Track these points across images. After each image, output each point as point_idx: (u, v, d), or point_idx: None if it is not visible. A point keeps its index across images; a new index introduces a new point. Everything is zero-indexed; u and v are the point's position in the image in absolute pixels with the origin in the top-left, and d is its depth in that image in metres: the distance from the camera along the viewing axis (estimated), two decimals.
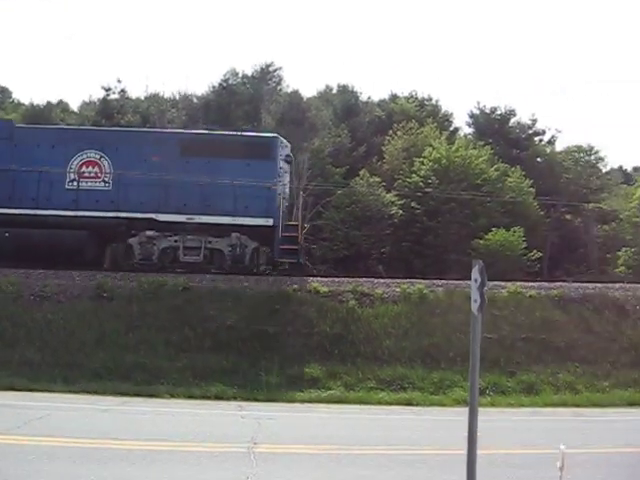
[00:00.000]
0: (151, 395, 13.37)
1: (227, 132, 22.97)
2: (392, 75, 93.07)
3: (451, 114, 48.10)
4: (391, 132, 38.16)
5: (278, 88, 44.05)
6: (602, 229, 37.95)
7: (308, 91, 70.25)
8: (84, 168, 19.90)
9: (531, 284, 20.17)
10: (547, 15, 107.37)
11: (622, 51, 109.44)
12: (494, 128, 42.93)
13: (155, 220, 19.58)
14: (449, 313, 17.12)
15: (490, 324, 16.39)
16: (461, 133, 45.04)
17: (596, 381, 15.63)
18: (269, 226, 19.70)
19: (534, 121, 44.24)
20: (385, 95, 49.17)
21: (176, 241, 19.90)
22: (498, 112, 44.08)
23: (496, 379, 15.04)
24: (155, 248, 19.88)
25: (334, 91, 47.77)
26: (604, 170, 44.75)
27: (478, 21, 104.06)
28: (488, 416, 12.29)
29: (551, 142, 44.68)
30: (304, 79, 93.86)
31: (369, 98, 47.60)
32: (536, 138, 44.23)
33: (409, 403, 13.87)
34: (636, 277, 25.96)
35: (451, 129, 45.02)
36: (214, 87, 42.96)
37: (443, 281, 19.60)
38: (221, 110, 39.43)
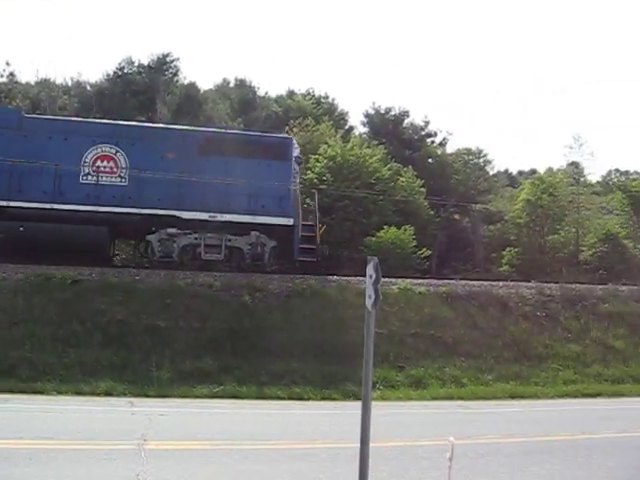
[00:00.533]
0: (37, 392, 12.74)
1: (244, 132, 22.77)
2: (290, 71, 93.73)
3: (347, 113, 48.89)
4: (287, 128, 38.30)
5: (175, 79, 43.31)
6: (488, 229, 39.41)
7: (205, 84, 69.49)
8: (99, 162, 19.48)
9: (420, 281, 20.70)
10: (441, 17, 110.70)
11: (511, 60, 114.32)
12: (388, 128, 43.82)
13: (177, 217, 19.56)
14: (341, 308, 17.36)
15: (381, 320, 16.72)
16: (356, 132, 45.75)
17: (480, 375, 16.23)
18: (289, 225, 20.02)
19: (427, 123, 45.52)
20: (282, 91, 49.40)
21: (196, 239, 19.89)
22: (392, 113, 45.05)
23: (386, 373, 15.29)
24: (175, 245, 19.86)
25: (231, 85, 47.48)
26: (491, 173, 46.73)
27: (374, 20, 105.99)
28: (378, 410, 12.64)
29: (442, 144, 46.11)
30: (201, 71, 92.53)
31: (266, 93, 47.71)
32: (428, 140, 45.51)
33: (301, 397, 13.88)
34: (519, 275, 27.19)
35: (346, 128, 45.68)
36: (109, 75, 41.77)
37: (336, 277, 19.90)
38: (115, 99, 38.38)
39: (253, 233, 19.99)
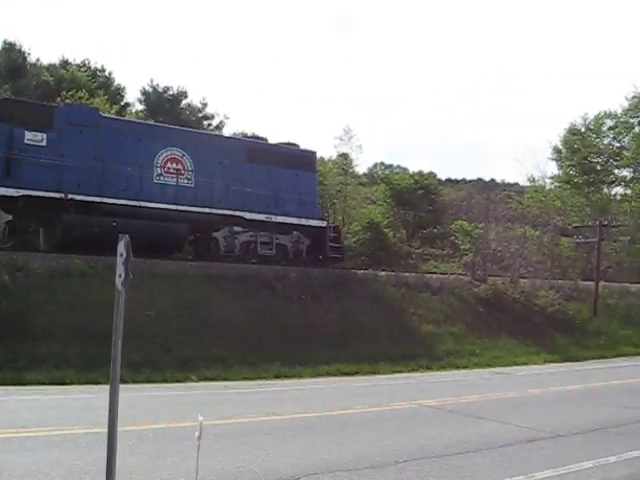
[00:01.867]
0: None
1: (279, 144, 25.19)
2: (65, 39, 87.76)
3: (124, 88, 47.05)
4: (59, 100, 36.04)
5: None
6: None
7: None
8: (169, 164, 21.19)
9: (191, 263, 20.71)
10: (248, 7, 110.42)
11: (282, 46, 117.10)
12: (165, 107, 43.01)
13: (242, 218, 22.15)
14: (107, 289, 16.77)
15: (149, 300, 16.48)
16: (133, 109, 44.36)
17: (246, 355, 16.55)
18: (322, 227, 23.83)
19: (205, 105, 45.34)
20: (56, 59, 46.30)
21: (252, 236, 22.63)
22: (170, 92, 44.28)
23: (153, 355, 15.09)
24: (237, 242, 22.38)
25: None
26: None
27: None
28: (143, 392, 12.41)
29: (219, 127, 46.21)
30: None
31: (38, 60, 44.41)
32: (205, 122, 45.36)
33: (63, 382, 13.22)
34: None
35: (122, 103, 44.05)
36: None
37: (103, 257, 19.17)
38: None
39: (295, 233, 23.52)
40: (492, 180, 75.75)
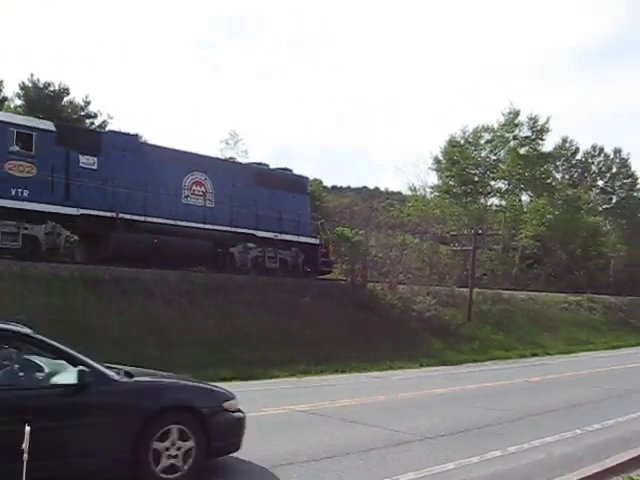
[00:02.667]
0: None
1: (278, 169, 28.70)
2: None
3: (1, 82, 44.70)
4: None
5: None
6: None
7: None
8: (194, 187, 24.01)
9: (66, 265, 19.93)
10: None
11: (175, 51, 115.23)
12: (46, 104, 41.16)
13: (254, 235, 25.37)
14: None
15: (19, 304, 15.69)
16: (11, 104, 42.20)
17: (120, 361, 15.98)
18: (316, 244, 27.42)
19: (88, 103, 43.76)
20: None
21: (260, 251, 25.94)
22: (52, 88, 42.44)
23: None
24: (249, 256, 25.55)
25: None
26: None
27: None
28: None
29: (102, 126, 44.65)
30: None
31: None
32: (88, 120, 43.78)
33: None
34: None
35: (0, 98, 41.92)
36: None
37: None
38: None
39: (293, 248, 27.03)
40: (376, 188, 77.60)
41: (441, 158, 61.58)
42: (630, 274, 64.60)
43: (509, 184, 62.70)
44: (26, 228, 19.84)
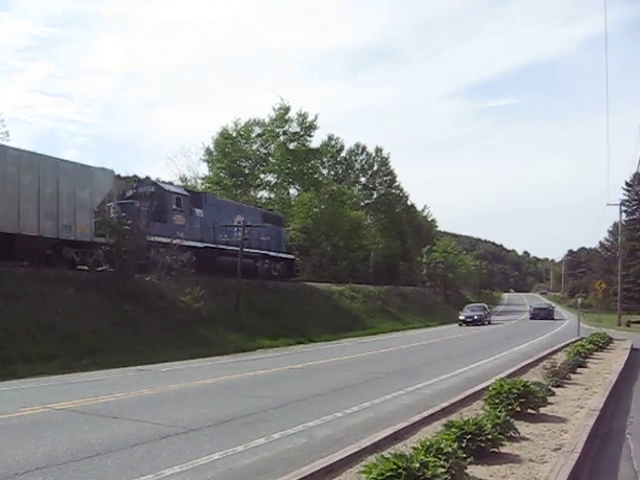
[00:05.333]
0: None
1: (269, 210, 48.91)
2: None
3: None
4: None
5: None
6: None
7: None
8: (237, 224, 35.01)
9: None
10: None
11: None
12: None
13: (267, 255, 38.72)
14: None
15: None
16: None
17: None
18: (292, 259, 42.94)
19: None
20: None
21: (266, 264, 38.89)
22: None
23: None
24: (263, 268, 38.45)
25: None
26: None
27: None
28: None
29: None
30: None
31: None
32: None
33: None
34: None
35: None
36: None
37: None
38: None
39: (282, 262, 40.87)
40: (147, 178, 75.37)
41: (212, 149, 61.70)
42: (388, 265, 69.66)
43: (278, 177, 64.48)
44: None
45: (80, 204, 24.32)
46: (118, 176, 34.05)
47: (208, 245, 32.74)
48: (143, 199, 28.34)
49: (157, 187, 31.52)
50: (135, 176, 51.86)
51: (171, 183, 45.98)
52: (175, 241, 28.36)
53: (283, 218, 46.56)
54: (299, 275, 44.05)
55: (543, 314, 61.79)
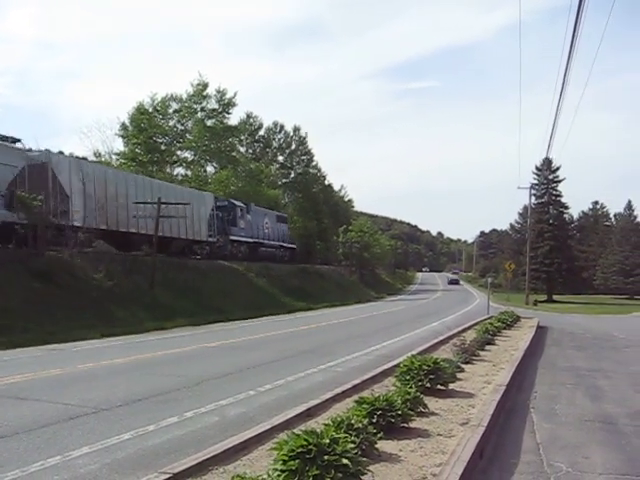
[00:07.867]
0: None
1: (278, 212, 59.00)
2: None
3: None
4: None
5: None
6: None
7: None
8: (267, 224, 50.89)
9: None
10: None
11: None
12: None
13: (282, 245, 54.90)
14: None
15: None
16: None
17: None
18: (294, 247, 59.74)
19: None
20: None
21: (279, 250, 54.49)
22: None
23: None
24: (279, 253, 54.30)
25: None
26: None
27: None
28: None
29: None
30: None
31: None
32: None
33: None
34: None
35: None
36: None
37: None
38: None
39: (288, 250, 57.25)
40: (60, 152, 72.99)
41: (128, 125, 60.14)
42: (304, 244, 69.92)
43: (195, 154, 63.61)
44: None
45: None
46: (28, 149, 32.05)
47: (257, 240, 48.54)
48: (223, 211, 43.13)
49: (229, 202, 45.71)
50: (47, 150, 49.91)
51: (86, 158, 47.31)
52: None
53: (287, 217, 61.23)
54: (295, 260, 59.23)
55: (454, 281, 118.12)
